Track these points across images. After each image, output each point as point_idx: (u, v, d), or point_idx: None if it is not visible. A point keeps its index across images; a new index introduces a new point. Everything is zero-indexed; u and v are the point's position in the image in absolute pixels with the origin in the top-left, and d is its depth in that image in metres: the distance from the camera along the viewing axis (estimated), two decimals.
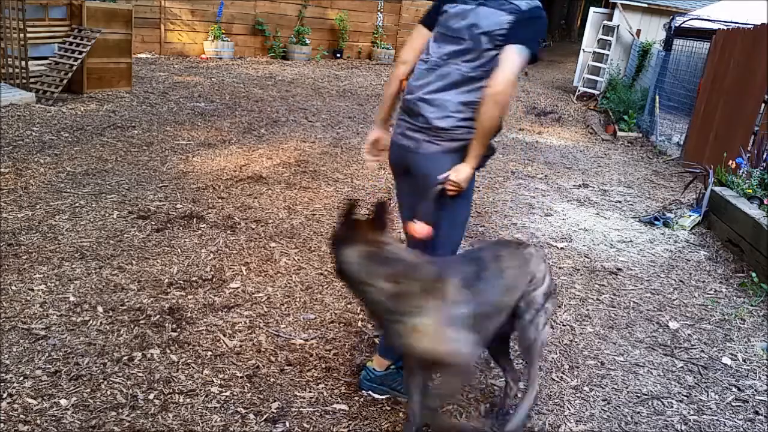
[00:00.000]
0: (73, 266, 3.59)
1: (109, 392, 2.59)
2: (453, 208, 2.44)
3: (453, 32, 2.36)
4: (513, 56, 2.24)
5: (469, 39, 2.32)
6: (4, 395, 2.51)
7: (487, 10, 2.30)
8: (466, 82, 2.33)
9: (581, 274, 4.31)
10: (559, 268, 4.37)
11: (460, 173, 2.35)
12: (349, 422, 2.57)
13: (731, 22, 9.15)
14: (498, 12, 2.28)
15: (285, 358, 2.95)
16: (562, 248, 4.74)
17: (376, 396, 2.73)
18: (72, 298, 3.26)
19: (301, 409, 2.61)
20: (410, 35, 2.55)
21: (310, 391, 2.73)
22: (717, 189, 5.40)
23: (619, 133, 9.89)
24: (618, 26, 13.42)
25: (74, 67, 7.39)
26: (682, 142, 8.93)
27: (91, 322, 3.07)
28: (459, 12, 2.37)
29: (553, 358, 3.21)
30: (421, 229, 2.38)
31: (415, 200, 2.46)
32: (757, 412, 2.93)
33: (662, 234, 5.34)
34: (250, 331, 3.14)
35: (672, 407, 2.91)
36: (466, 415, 2.70)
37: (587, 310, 3.79)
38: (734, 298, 4.17)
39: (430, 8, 2.52)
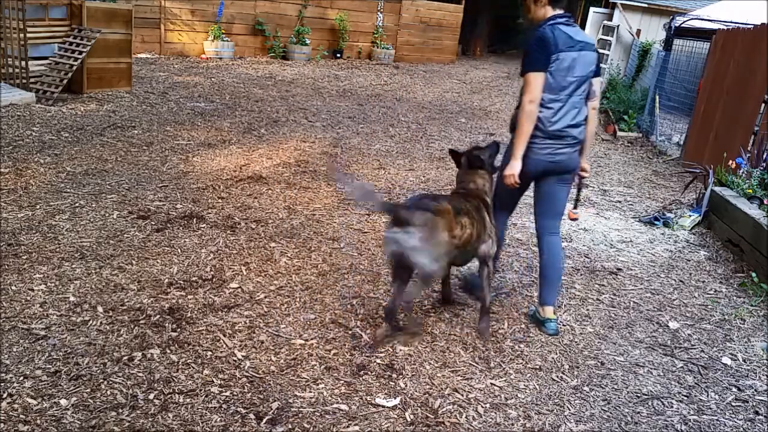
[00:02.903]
0: (73, 266, 3.59)
1: (109, 392, 2.59)
2: None
3: (576, 74, 3.18)
4: (599, 84, 3.36)
5: (587, 76, 3.24)
6: (4, 395, 2.51)
7: (589, 54, 3.22)
8: (582, 104, 3.29)
9: (581, 274, 4.31)
10: None
11: (588, 166, 3.56)
12: (349, 422, 2.57)
13: (731, 22, 9.16)
14: (592, 53, 3.25)
15: (285, 358, 2.95)
16: (561, 248, 4.73)
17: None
18: (72, 298, 3.26)
19: (301, 409, 2.61)
20: (534, 82, 3.16)
21: (310, 391, 2.73)
22: (717, 189, 5.40)
23: (619, 133, 9.89)
24: (618, 26, 13.43)
25: (74, 67, 7.39)
26: (682, 142, 8.93)
27: (91, 322, 3.08)
28: (572, 59, 3.16)
29: (553, 358, 3.21)
30: (576, 213, 3.83)
31: (556, 191, 3.43)
32: (757, 412, 2.93)
33: (662, 234, 5.34)
34: (250, 331, 3.14)
35: (672, 407, 2.91)
36: (465, 415, 2.70)
37: (587, 310, 3.79)
38: (734, 298, 4.17)
39: (538, 58, 3.16)
